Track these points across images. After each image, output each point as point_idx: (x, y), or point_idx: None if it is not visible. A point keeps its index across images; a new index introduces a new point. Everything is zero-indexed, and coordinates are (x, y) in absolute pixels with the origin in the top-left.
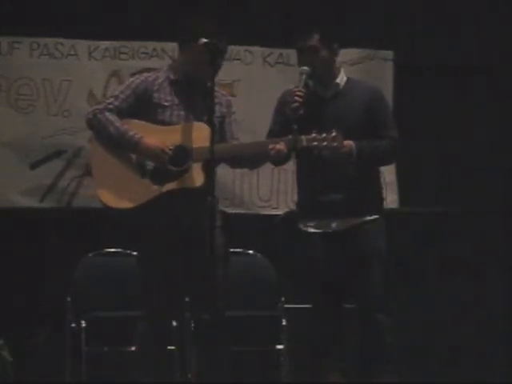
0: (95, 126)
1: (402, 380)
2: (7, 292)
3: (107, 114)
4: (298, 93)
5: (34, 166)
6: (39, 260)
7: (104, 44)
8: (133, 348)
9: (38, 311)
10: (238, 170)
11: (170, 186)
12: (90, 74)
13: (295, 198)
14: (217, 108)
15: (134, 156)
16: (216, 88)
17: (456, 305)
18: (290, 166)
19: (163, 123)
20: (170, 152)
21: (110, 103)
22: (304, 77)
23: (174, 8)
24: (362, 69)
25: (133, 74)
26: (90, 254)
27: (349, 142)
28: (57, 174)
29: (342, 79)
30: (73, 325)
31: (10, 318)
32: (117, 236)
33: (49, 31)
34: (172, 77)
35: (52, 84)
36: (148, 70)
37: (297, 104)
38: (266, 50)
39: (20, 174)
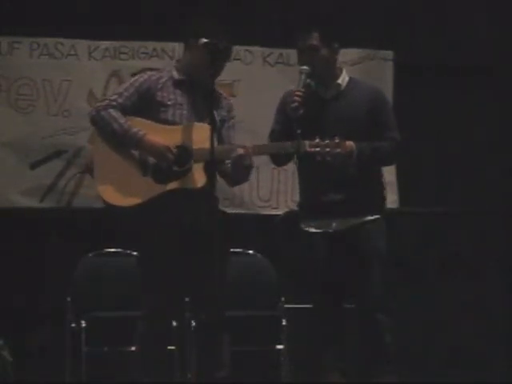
0: (98, 122)
1: (402, 380)
2: (7, 292)
3: (111, 110)
4: (298, 93)
5: (34, 166)
6: (39, 260)
7: (104, 44)
8: (133, 348)
9: (38, 311)
10: None
11: (172, 185)
12: (90, 73)
13: (295, 197)
14: (218, 110)
15: (136, 154)
16: (220, 90)
17: (456, 305)
18: (290, 166)
19: (165, 122)
20: (174, 151)
21: (113, 100)
22: (303, 76)
23: (174, 8)
24: (362, 69)
25: (133, 74)
26: (90, 254)
27: (349, 143)
28: (57, 173)
29: (343, 79)
30: (73, 325)
31: (10, 318)
32: (117, 236)
33: (49, 31)
34: (176, 76)
35: (52, 84)
36: (148, 70)
37: (296, 104)
38: (266, 50)
39: (20, 173)
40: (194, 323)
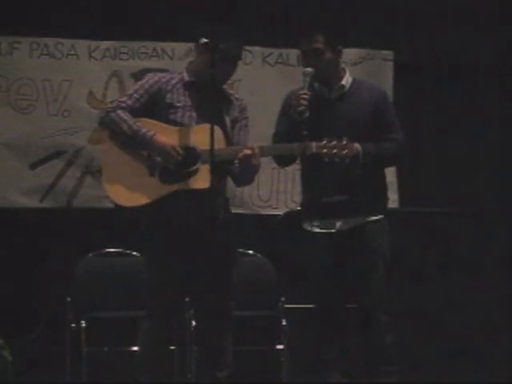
0: (108, 124)
1: (403, 380)
2: (7, 292)
3: (119, 112)
4: (304, 95)
5: (33, 166)
6: (39, 260)
7: (104, 44)
8: (133, 348)
9: (38, 311)
10: None
11: (178, 186)
12: (89, 73)
13: (295, 197)
14: (230, 111)
15: (145, 154)
16: (232, 91)
17: (456, 305)
18: (290, 166)
19: (175, 123)
20: (182, 152)
21: (122, 102)
22: (308, 79)
23: (173, 8)
24: (362, 69)
25: (133, 74)
26: (90, 254)
27: (355, 145)
28: (57, 174)
29: (347, 81)
30: (73, 325)
31: (10, 318)
32: (120, 236)
33: (49, 31)
34: (187, 78)
35: (52, 84)
36: (148, 70)
37: (303, 107)
38: (266, 50)
39: (20, 174)
40: (194, 323)
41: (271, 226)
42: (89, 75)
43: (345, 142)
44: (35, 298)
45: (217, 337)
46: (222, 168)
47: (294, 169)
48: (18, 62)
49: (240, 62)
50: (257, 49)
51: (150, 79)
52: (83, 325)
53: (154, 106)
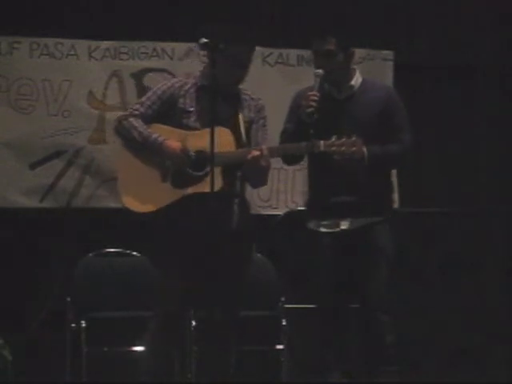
0: (121, 132)
1: (403, 380)
2: (7, 292)
3: (131, 119)
4: (313, 97)
5: (33, 166)
6: (39, 260)
7: (104, 44)
8: (133, 348)
9: (38, 311)
10: None
11: (190, 190)
12: (89, 73)
13: (295, 197)
14: (244, 113)
15: (157, 160)
16: (248, 92)
17: (456, 305)
18: (291, 166)
19: (188, 128)
20: (192, 155)
21: (135, 109)
22: (319, 80)
23: (173, 8)
24: (362, 69)
25: (133, 74)
26: (90, 254)
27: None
28: (57, 174)
29: (356, 81)
30: (73, 325)
31: (10, 318)
32: (117, 236)
33: (49, 31)
34: (200, 83)
35: (52, 84)
36: (148, 70)
37: (312, 109)
38: (266, 50)
39: (20, 174)
40: (194, 323)
41: (271, 226)
42: (89, 75)
43: (354, 139)
44: (35, 298)
45: (222, 336)
46: (232, 170)
47: (295, 169)
48: (18, 62)
49: None
50: (257, 49)
51: (163, 85)
52: (83, 325)
53: (168, 111)
